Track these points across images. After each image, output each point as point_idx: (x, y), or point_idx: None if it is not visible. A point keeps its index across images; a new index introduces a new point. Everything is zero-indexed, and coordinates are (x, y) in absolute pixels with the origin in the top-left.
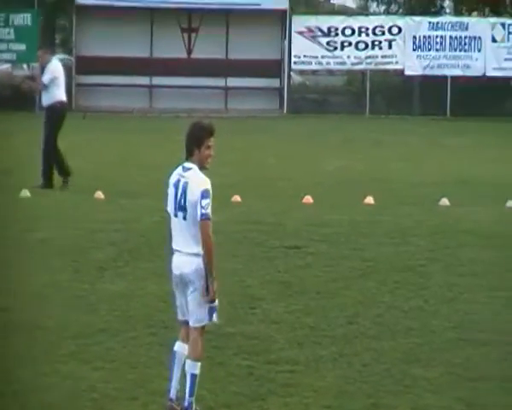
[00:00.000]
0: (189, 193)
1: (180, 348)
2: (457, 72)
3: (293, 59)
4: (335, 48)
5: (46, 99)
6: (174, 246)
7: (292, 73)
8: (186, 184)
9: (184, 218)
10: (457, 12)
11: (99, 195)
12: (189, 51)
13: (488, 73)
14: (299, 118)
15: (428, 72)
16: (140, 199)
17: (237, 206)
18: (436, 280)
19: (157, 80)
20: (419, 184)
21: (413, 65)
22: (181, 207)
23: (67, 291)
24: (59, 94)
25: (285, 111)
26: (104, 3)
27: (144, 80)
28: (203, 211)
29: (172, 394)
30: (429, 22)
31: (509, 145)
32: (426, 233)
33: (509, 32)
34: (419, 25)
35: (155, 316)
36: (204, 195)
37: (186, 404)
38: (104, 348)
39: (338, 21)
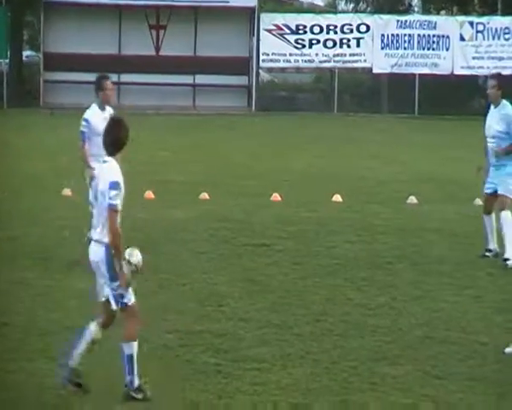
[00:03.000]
0: (101, 183)
1: (92, 326)
2: (425, 70)
3: (261, 56)
4: (304, 46)
5: None
6: (91, 234)
7: (260, 70)
8: (99, 176)
9: (94, 207)
10: (426, 11)
11: (67, 192)
12: (158, 48)
13: (456, 72)
14: (267, 115)
15: (396, 70)
16: None
17: (205, 203)
18: (404, 278)
19: (125, 77)
20: (387, 182)
21: (381, 63)
22: (95, 198)
23: (35, 289)
24: None
25: (253, 109)
26: (72, 0)
27: (112, 77)
28: (110, 201)
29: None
30: (397, 20)
31: (477, 144)
32: (393, 231)
33: (477, 31)
34: (387, 23)
35: None
36: (112, 186)
37: (127, 380)
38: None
39: (306, 19)
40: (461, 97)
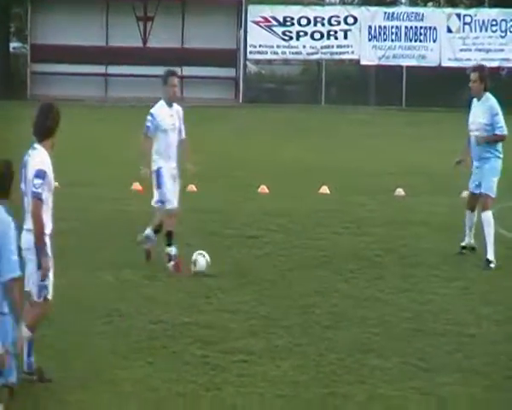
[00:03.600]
0: (29, 171)
1: None
2: (413, 62)
3: (248, 48)
4: (291, 38)
5: None
6: (24, 223)
7: (247, 62)
8: (27, 163)
9: (26, 195)
10: (413, 2)
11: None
12: (145, 40)
13: (443, 64)
14: (255, 107)
15: (384, 62)
16: (92, 188)
17: (193, 195)
18: (391, 270)
19: (112, 69)
20: (374, 175)
21: (369, 55)
22: (25, 186)
23: None
24: None
25: (241, 100)
26: None
27: (100, 69)
28: (33, 189)
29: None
30: (385, 12)
31: (464, 136)
32: (381, 223)
33: (465, 23)
34: (374, 15)
35: (110, 305)
36: (37, 174)
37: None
38: (56, 338)
39: (294, 11)
40: (448, 89)
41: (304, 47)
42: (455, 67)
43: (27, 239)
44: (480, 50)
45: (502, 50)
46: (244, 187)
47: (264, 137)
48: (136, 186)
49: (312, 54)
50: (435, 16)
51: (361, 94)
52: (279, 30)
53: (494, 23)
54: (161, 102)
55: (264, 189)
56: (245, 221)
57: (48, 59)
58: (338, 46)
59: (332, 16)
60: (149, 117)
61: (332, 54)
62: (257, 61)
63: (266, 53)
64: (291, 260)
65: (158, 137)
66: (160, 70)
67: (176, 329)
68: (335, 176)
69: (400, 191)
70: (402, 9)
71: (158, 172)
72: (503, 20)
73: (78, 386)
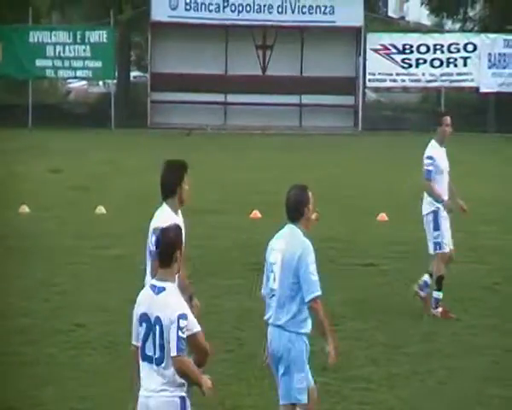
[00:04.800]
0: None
1: None
2: None
3: (367, 76)
4: (410, 65)
5: None
6: None
7: (366, 90)
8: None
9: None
10: None
11: None
12: (264, 68)
13: None
14: (373, 135)
15: (504, 89)
16: (215, 215)
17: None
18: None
19: (232, 98)
20: (494, 203)
21: (488, 82)
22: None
23: None
24: None
25: (360, 128)
26: (179, 20)
27: (219, 97)
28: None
29: None
30: (504, 40)
31: None
32: (502, 252)
33: None
34: (494, 42)
35: (231, 333)
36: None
37: None
38: None
39: (413, 39)
40: None
41: (423, 74)
42: None
43: None
44: None
45: None
46: (363, 214)
47: (383, 165)
48: (256, 214)
49: (431, 81)
50: None
51: (480, 122)
52: (398, 57)
53: None
54: (434, 143)
55: (383, 216)
56: (364, 249)
57: (167, 87)
58: (457, 74)
59: (451, 44)
60: (429, 160)
61: (451, 81)
62: (376, 89)
63: (385, 81)
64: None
65: (435, 180)
66: (279, 98)
67: None
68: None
69: None
70: None
71: (435, 214)
72: None
73: None
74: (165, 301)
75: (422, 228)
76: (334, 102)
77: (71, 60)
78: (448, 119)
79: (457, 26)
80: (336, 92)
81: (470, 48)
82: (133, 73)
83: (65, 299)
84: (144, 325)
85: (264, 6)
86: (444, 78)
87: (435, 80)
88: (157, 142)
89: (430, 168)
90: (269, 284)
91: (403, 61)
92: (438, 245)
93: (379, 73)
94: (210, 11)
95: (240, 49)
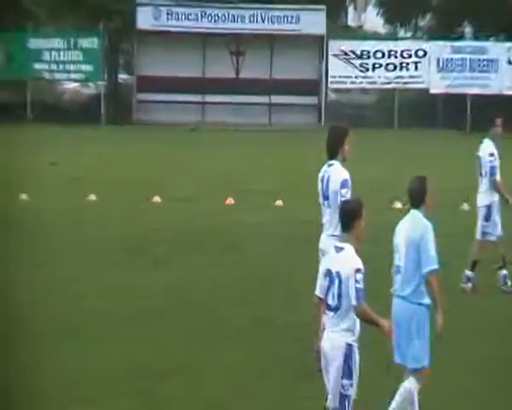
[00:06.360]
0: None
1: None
2: (476, 90)
3: (329, 79)
4: (367, 69)
5: None
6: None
7: (328, 91)
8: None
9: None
10: (476, 37)
11: (156, 199)
12: (238, 72)
13: (504, 92)
14: None
15: (450, 90)
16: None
17: (280, 209)
18: None
19: (209, 97)
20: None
21: (437, 84)
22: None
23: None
24: None
25: (322, 124)
26: (162, 29)
27: (197, 97)
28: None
29: None
30: (451, 46)
31: None
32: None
33: None
34: (442, 48)
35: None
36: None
37: None
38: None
39: (370, 45)
40: (508, 115)
41: (379, 77)
42: None
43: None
44: None
45: None
46: None
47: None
48: (230, 201)
49: (386, 83)
50: (496, 49)
51: (429, 119)
52: (357, 62)
53: None
54: (488, 141)
55: None
56: None
57: (151, 89)
58: (409, 77)
59: (404, 50)
60: (492, 157)
61: (404, 83)
62: (337, 90)
63: (345, 83)
64: None
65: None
66: (251, 98)
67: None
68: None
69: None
70: (467, 43)
71: (489, 207)
72: None
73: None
74: (344, 259)
75: (375, 215)
76: (300, 101)
77: (65, 64)
78: (499, 120)
79: (409, 34)
80: (302, 93)
81: (420, 53)
82: (121, 76)
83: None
84: (328, 278)
85: (238, 16)
86: (397, 80)
87: (389, 82)
88: (141, 136)
89: (494, 164)
90: (395, 262)
91: (361, 65)
92: (484, 234)
93: (339, 76)
94: (189, 20)
95: (216, 55)
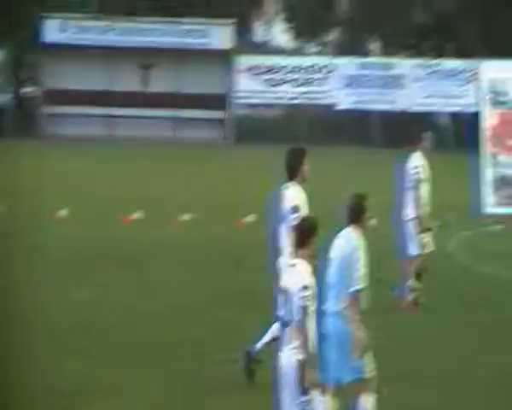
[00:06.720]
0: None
1: None
2: (384, 106)
3: (236, 93)
4: (274, 84)
5: None
6: None
7: (235, 106)
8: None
9: None
10: (384, 54)
11: (62, 213)
12: (145, 85)
13: (411, 109)
14: (241, 146)
15: (358, 106)
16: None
17: (184, 224)
18: None
19: (116, 111)
20: None
21: (344, 100)
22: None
23: None
24: None
25: (229, 139)
26: (68, 42)
27: (104, 111)
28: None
29: None
30: (358, 63)
31: None
32: None
33: (430, 72)
34: (349, 65)
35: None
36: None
37: None
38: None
39: (276, 61)
40: (416, 131)
41: (286, 93)
42: (421, 111)
43: None
44: (443, 97)
45: (462, 97)
46: (233, 216)
47: (250, 172)
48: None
49: (293, 99)
50: (403, 66)
51: (336, 134)
52: (263, 77)
53: (457, 73)
54: (419, 154)
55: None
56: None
57: (58, 102)
58: (316, 92)
59: (311, 65)
60: (416, 170)
61: (310, 99)
62: (244, 105)
63: (252, 98)
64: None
65: (418, 187)
66: (158, 112)
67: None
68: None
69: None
70: (374, 60)
71: (419, 219)
72: (463, 69)
73: None
74: (294, 275)
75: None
76: (207, 116)
77: None
78: (430, 133)
79: (316, 49)
80: (209, 107)
81: (327, 69)
82: (27, 89)
83: None
84: (283, 295)
85: (146, 30)
86: (304, 96)
87: (296, 98)
88: (46, 151)
89: (418, 176)
90: (327, 278)
91: (268, 80)
92: (421, 247)
93: (246, 91)
94: (97, 34)
95: (123, 68)
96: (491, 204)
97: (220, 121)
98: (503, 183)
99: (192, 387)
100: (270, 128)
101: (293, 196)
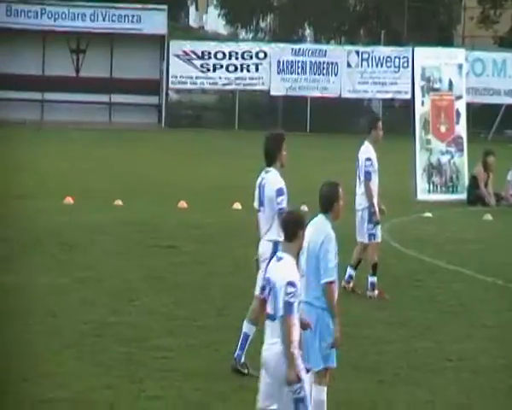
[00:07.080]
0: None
1: None
2: (316, 93)
3: (170, 79)
4: (208, 70)
5: None
6: None
7: (169, 91)
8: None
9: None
10: (317, 40)
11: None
12: (78, 70)
13: (343, 95)
14: (175, 131)
15: (291, 92)
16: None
17: (119, 209)
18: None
19: (48, 95)
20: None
21: (277, 86)
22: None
23: None
24: None
25: (163, 125)
26: (1, 25)
27: (37, 95)
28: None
29: None
30: (292, 49)
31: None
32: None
33: (363, 59)
34: (283, 51)
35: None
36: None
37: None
38: None
39: (211, 46)
40: (347, 118)
41: (220, 78)
42: (353, 98)
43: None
44: (376, 83)
45: (395, 84)
46: (166, 202)
47: (184, 158)
48: (69, 200)
49: (227, 84)
50: (336, 53)
51: (270, 121)
52: (197, 63)
53: (389, 59)
54: (368, 145)
55: (183, 204)
56: (165, 232)
57: None
58: (250, 78)
59: (245, 51)
60: (369, 162)
61: (245, 85)
62: (178, 90)
63: (186, 83)
64: (206, 268)
65: (372, 179)
66: (91, 97)
67: (103, 328)
68: (246, 193)
69: (304, 207)
70: (307, 46)
71: (370, 209)
72: (396, 57)
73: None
74: (280, 269)
75: (213, 214)
76: (141, 101)
77: None
78: (380, 123)
79: (250, 35)
80: (142, 92)
81: (261, 55)
82: None
83: None
84: (268, 287)
85: (78, 14)
86: (238, 81)
87: (230, 83)
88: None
89: (370, 169)
90: (300, 265)
91: (201, 66)
92: (372, 236)
93: (180, 76)
94: (29, 18)
95: (56, 53)
96: (423, 191)
97: (155, 106)
98: (435, 169)
99: (126, 371)
100: (203, 114)
101: (277, 179)
